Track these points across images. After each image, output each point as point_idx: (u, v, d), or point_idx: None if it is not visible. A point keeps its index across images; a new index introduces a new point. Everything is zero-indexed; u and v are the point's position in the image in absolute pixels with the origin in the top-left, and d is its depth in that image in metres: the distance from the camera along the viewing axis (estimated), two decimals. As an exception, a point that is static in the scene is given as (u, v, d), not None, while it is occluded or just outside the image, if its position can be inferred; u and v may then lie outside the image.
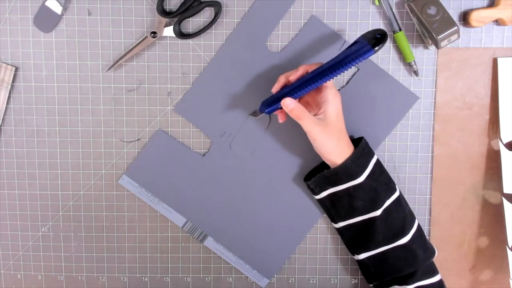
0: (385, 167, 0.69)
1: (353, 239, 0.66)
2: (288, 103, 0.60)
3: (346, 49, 0.60)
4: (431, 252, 0.65)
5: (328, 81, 0.60)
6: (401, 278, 0.64)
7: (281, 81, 0.62)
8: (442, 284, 0.65)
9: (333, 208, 0.66)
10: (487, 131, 0.69)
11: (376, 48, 0.56)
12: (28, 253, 0.71)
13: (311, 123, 0.60)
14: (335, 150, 0.62)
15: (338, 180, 0.63)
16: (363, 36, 0.59)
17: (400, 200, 0.65)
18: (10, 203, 0.70)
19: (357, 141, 0.66)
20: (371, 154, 0.65)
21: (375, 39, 0.57)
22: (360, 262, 0.67)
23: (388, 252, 0.64)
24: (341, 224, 0.66)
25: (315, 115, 0.62)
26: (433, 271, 0.65)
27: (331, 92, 0.61)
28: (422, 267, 0.64)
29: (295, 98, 0.61)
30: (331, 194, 0.65)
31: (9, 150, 0.69)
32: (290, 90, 0.61)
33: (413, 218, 0.65)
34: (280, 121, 0.64)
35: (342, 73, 0.62)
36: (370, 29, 0.60)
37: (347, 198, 0.64)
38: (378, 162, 0.65)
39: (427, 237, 0.67)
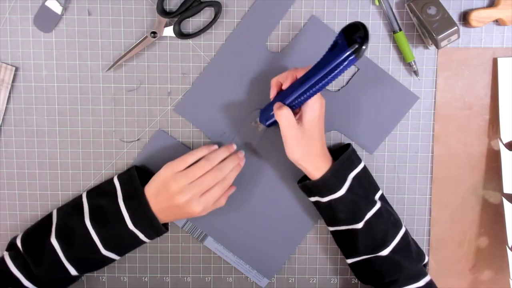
0: (385, 167, 0.69)
1: (341, 244, 0.67)
2: (280, 109, 0.60)
3: (329, 52, 0.56)
4: (418, 260, 0.64)
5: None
6: (384, 285, 0.64)
7: (274, 86, 0.63)
8: (430, 287, 0.64)
9: (321, 214, 0.67)
10: (487, 131, 0.69)
11: (360, 53, 0.53)
12: (28, 253, 0.71)
13: (288, 125, 0.60)
14: (304, 161, 0.61)
15: (319, 192, 0.63)
16: (345, 37, 0.54)
17: (382, 212, 0.64)
18: (10, 203, 0.70)
19: (342, 149, 0.66)
20: (351, 166, 0.64)
21: (358, 42, 0.53)
22: (349, 265, 0.67)
23: (371, 261, 0.64)
24: (330, 228, 0.67)
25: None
26: (418, 276, 0.64)
27: (311, 99, 0.59)
28: (405, 274, 0.64)
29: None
30: (315, 202, 0.66)
31: (9, 150, 0.69)
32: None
33: (396, 229, 0.64)
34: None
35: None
36: (361, 27, 0.54)
37: (329, 210, 0.64)
38: (358, 175, 0.64)
39: (426, 237, 0.67)
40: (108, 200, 0.64)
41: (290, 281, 0.72)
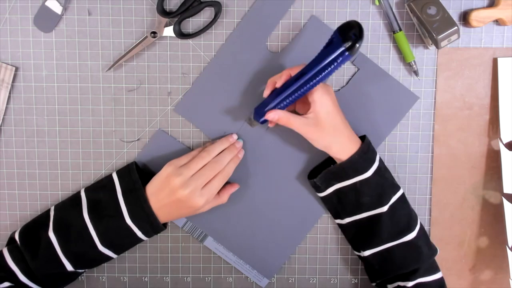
0: (385, 167, 0.69)
1: (358, 236, 0.66)
2: (272, 116, 0.61)
3: (324, 49, 0.57)
4: (434, 249, 0.66)
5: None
6: (403, 275, 0.64)
7: (269, 85, 0.63)
8: (442, 282, 0.65)
9: (340, 204, 0.66)
10: (487, 131, 0.69)
11: (354, 50, 0.54)
12: (28, 253, 0.71)
13: (301, 125, 0.61)
14: (334, 146, 0.62)
15: (345, 175, 0.63)
16: (340, 35, 0.55)
17: (405, 197, 0.65)
18: (10, 203, 0.70)
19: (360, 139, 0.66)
20: (375, 150, 0.65)
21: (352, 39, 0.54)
22: (364, 259, 0.67)
23: (393, 249, 0.64)
24: (347, 220, 0.66)
25: (306, 113, 0.62)
26: (436, 268, 0.65)
27: (317, 93, 0.60)
28: (426, 264, 0.64)
29: (283, 107, 0.61)
30: (336, 190, 0.65)
31: (9, 150, 0.69)
32: (278, 102, 0.61)
33: (416, 216, 0.66)
34: (270, 125, 0.65)
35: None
36: (364, 28, 0.55)
37: (354, 194, 0.64)
38: (381, 159, 0.65)
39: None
40: (107, 194, 0.64)
41: (290, 281, 0.72)
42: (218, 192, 0.65)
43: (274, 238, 0.71)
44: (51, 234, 0.62)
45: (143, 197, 0.62)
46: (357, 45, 0.54)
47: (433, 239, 0.70)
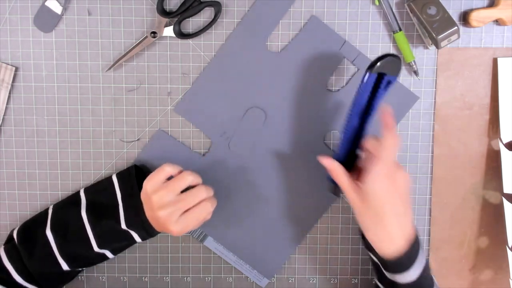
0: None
1: None
2: (325, 162, 0.57)
3: (362, 86, 0.57)
4: None
5: (368, 140, 0.57)
6: None
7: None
8: None
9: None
10: (487, 131, 0.69)
11: (374, 68, 0.56)
12: (28, 253, 0.71)
13: (347, 187, 0.55)
14: (370, 234, 0.55)
15: (380, 273, 0.58)
16: (374, 68, 0.57)
17: None
18: (10, 203, 0.70)
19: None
20: (430, 273, 0.58)
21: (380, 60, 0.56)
22: None
23: None
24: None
25: (359, 179, 0.55)
26: None
27: (372, 157, 0.54)
28: None
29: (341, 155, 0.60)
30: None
31: (9, 150, 0.69)
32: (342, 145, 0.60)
33: None
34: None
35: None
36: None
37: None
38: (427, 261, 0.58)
39: (426, 237, 0.67)
40: (106, 196, 0.64)
41: (290, 281, 0.72)
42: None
43: (274, 238, 0.71)
44: (48, 233, 0.62)
45: (139, 204, 0.62)
46: (378, 63, 0.55)
47: (433, 239, 0.70)
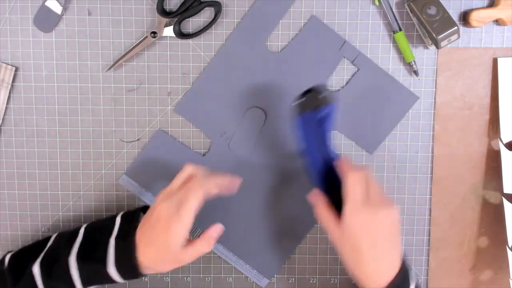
0: (385, 167, 0.69)
1: None
2: (312, 198, 0.58)
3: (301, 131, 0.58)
4: None
5: (340, 166, 0.56)
6: None
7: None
8: None
9: None
10: (487, 131, 0.69)
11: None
12: (28, 253, 0.71)
13: (325, 224, 0.55)
14: (354, 271, 0.54)
15: None
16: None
17: None
18: (10, 203, 0.70)
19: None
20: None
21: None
22: None
23: None
24: None
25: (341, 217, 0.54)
26: None
27: (345, 196, 0.53)
28: None
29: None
30: None
31: (9, 150, 0.69)
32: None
33: None
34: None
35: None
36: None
37: None
38: None
39: (426, 237, 0.66)
40: (102, 235, 0.61)
41: (290, 281, 0.72)
42: (201, 236, 0.60)
43: (274, 238, 0.71)
44: (36, 268, 0.60)
45: (132, 246, 0.57)
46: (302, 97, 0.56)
47: (433, 239, 0.70)
